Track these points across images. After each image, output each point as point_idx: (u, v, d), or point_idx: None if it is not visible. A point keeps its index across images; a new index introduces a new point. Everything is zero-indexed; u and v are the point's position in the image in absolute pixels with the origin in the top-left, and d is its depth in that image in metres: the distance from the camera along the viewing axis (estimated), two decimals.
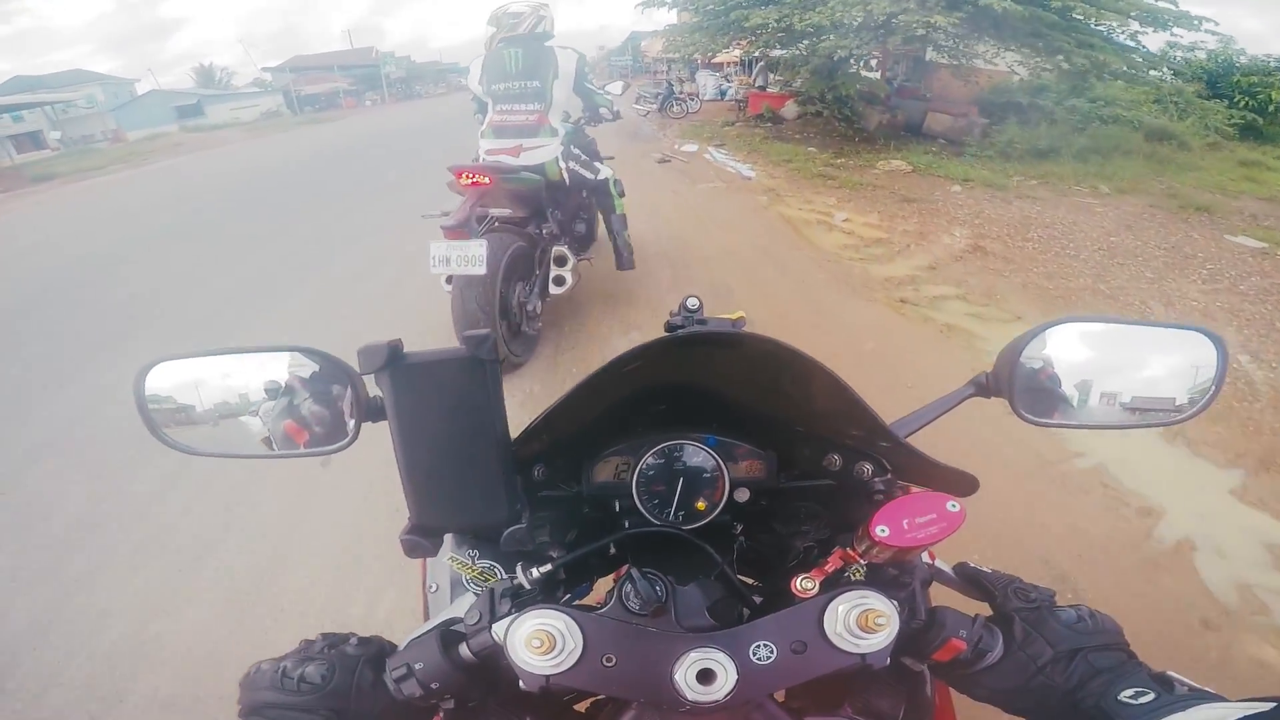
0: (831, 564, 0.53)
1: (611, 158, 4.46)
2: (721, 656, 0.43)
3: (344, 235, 6.48)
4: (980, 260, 4.99)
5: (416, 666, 0.49)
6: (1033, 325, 0.64)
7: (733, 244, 5.38)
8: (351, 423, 0.59)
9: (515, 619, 0.45)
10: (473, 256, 2.86)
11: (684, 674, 0.43)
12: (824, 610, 0.45)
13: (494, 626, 0.48)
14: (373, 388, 0.55)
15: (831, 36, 9.24)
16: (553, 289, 3.52)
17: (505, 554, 0.61)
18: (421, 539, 0.54)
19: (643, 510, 0.65)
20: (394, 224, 6.34)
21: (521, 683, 0.44)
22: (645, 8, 12.64)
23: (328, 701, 0.48)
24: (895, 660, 0.48)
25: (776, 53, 11.43)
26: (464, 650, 0.49)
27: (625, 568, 0.53)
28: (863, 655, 0.44)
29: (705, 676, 0.42)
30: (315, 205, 8.28)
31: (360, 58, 54.36)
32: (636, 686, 0.45)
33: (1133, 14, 8.97)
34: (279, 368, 0.61)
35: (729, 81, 18.11)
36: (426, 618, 0.67)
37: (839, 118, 10.77)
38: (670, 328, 0.76)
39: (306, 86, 46.79)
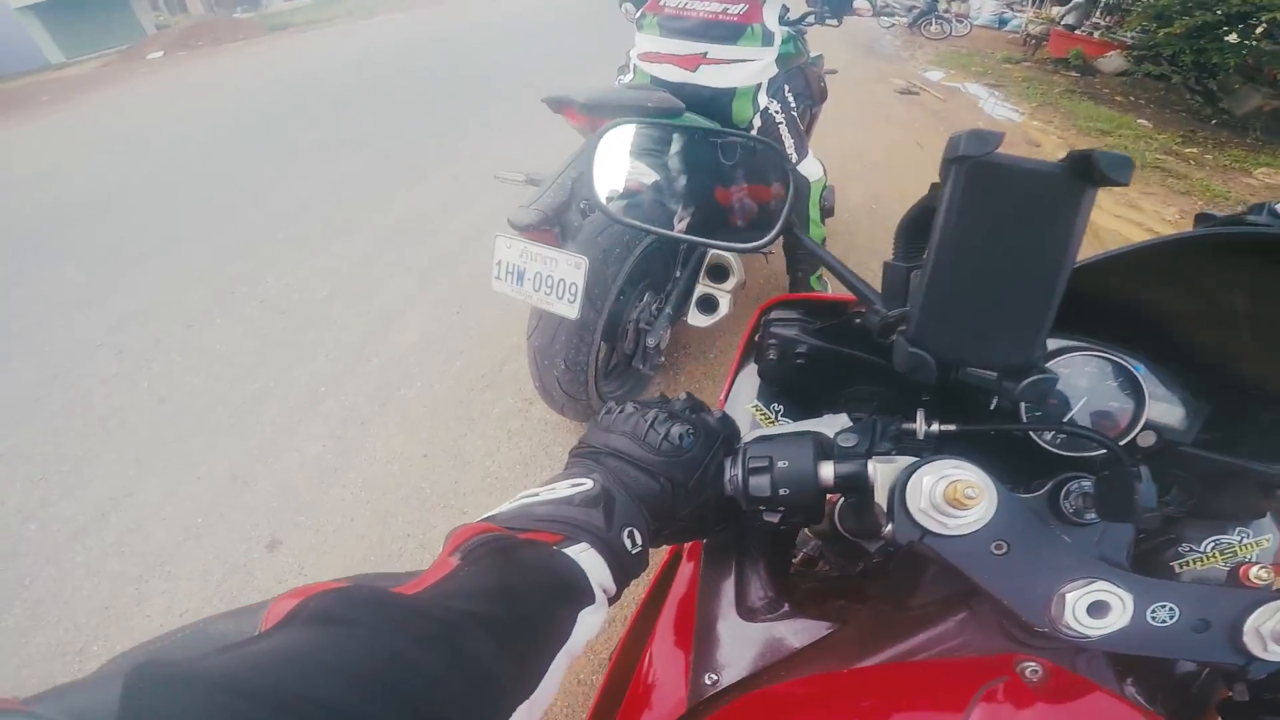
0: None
1: (834, 71, 2.82)
2: (1125, 597, 0.40)
3: None
4: None
5: (780, 464, 0.46)
6: None
7: None
8: (781, 222, 0.62)
9: (926, 462, 0.42)
10: (559, 282, 1.53)
11: (1077, 598, 0.40)
12: (1256, 606, 0.40)
13: (874, 461, 0.45)
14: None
15: None
16: (694, 315, 1.98)
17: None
18: (922, 354, 0.45)
19: (1023, 416, 0.57)
20: None
21: (894, 531, 0.42)
22: None
23: (674, 470, 0.46)
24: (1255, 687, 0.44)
25: None
26: (825, 470, 0.46)
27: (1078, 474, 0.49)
28: (1246, 663, 0.41)
29: (1097, 610, 0.40)
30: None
31: None
32: (1008, 585, 0.41)
33: None
34: (709, 148, 0.69)
35: (1014, 11, 14.21)
36: None
37: (1194, 89, 7.38)
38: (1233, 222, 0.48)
39: None
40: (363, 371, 2.50)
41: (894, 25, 12.13)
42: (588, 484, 0.45)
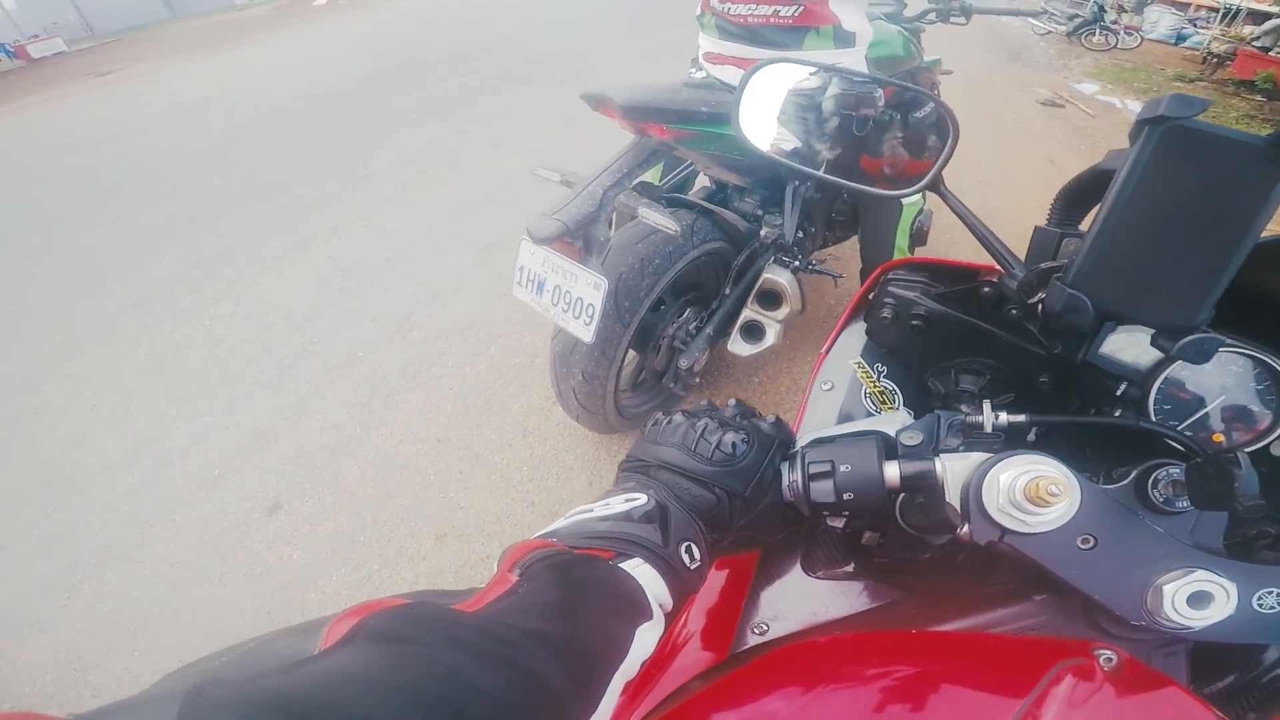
0: None
1: (950, 72, 2.53)
2: (1228, 585, 0.39)
3: None
4: None
5: (843, 468, 0.44)
6: None
7: None
8: (931, 174, 0.61)
9: (1004, 457, 0.40)
10: (577, 300, 1.39)
11: (1176, 589, 0.39)
12: None
13: (943, 457, 0.43)
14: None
15: None
16: (735, 341, 1.79)
17: (916, 386, 0.63)
18: (1081, 296, 0.47)
19: (1150, 409, 0.56)
20: None
21: (971, 531, 0.41)
22: None
23: (729, 480, 0.45)
24: None
25: None
26: (891, 471, 0.44)
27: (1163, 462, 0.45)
28: None
29: (1198, 600, 0.39)
30: None
31: None
32: (1098, 580, 0.41)
33: None
34: (875, 97, 0.71)
35: (1196, 27, 12.52)
36: (802, 413, 0.68)
37: None
38: None
39: None
40: (401, 342, 2.48)
41: (1049, 33, 10.98)
42: (642, 499, 0.43)
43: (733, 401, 0.52)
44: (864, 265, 2.06)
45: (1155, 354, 0.54)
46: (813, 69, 0.84)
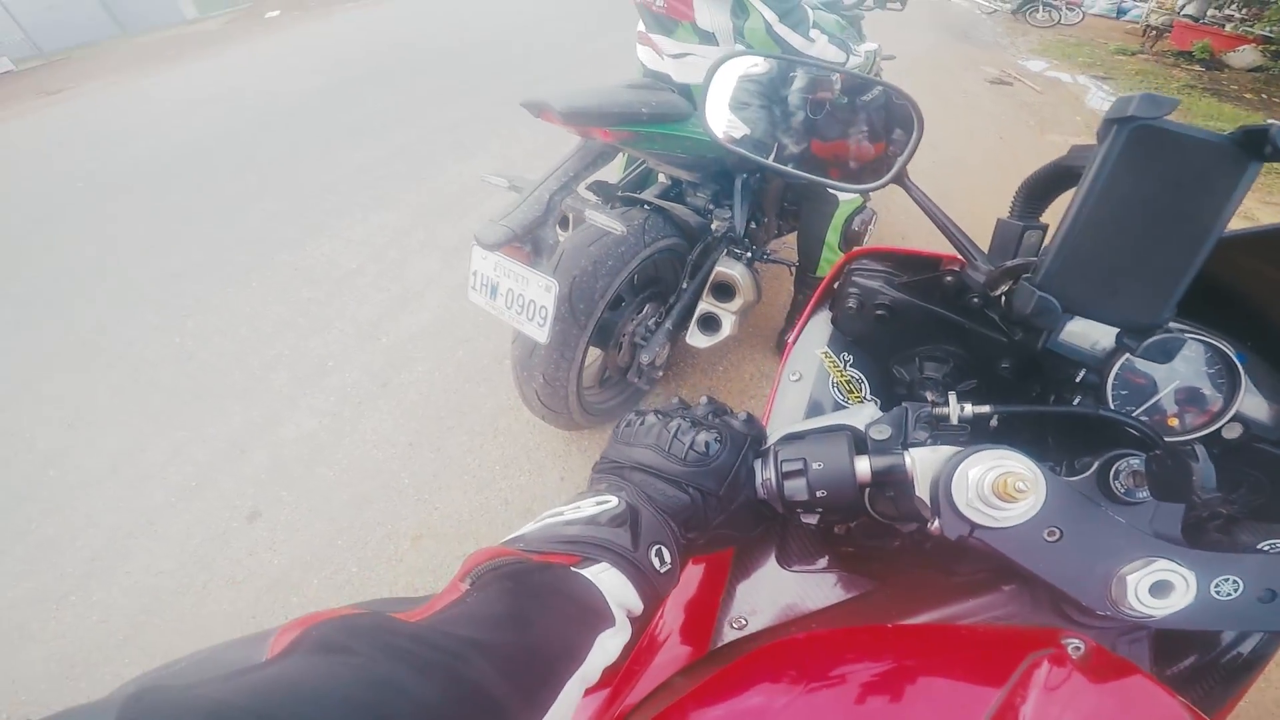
0: None
1: (892, 57, 2.59)
2: (1187, 574, 0.41)
3: None
4: None
5: (815, 466, 0.45)
6: None
7: None
8: (895, 168, 0.64)
9: (971, 453, 0.41)
10: (530, 302, 1.46)
11: (1138, 579, 0.40)
12: None
13: (912, 451, 0.44)
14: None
15: None
16: (694, 334, 1.86)
17: (880, 374, 0.65)
18: (1050, 298, 0.47)
19: (1108, 395, 0.58)
20: None
21: (940, 526, 0.42)
22: None
23: (703, 479, 0.45)
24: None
25: None
26: (862, 466, 0.45)
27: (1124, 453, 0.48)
28: None
29: (1159, 589, 0.40)
30: None
31: None
32: (1064, 572, 0.42)
33: None
34: (832, 84, 0.74)
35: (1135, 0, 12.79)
36: (771, 404, 0.69)
37: None
38: None
39: None
40: (371, 349, 2.54)
41: (996, 11, 11.16)
42: (613, 501, 0.44)
43: (704, 399, 0.52)
44: (799, 259, 2.15)
45: (1111, 339, 0.57)
46: (779, 62, 0.89)
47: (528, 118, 1.51)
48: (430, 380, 2.37)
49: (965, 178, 3.85)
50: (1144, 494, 0.46)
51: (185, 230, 3.60)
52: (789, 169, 0.79)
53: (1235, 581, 0.42)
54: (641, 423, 0.48)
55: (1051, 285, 0.46)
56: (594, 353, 1.87)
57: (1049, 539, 0.41)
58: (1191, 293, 0.47)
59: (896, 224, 3.25)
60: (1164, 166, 0.42)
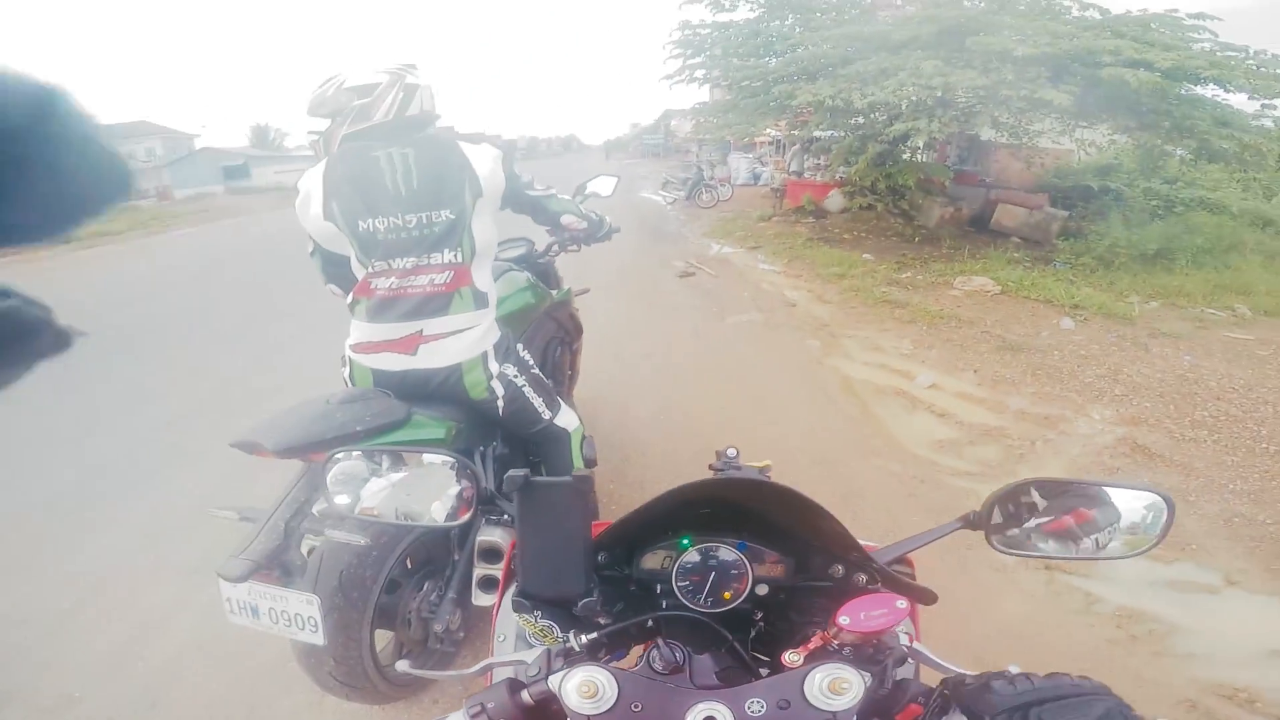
0: (814, 643, 0.65)
1: (586, 291, 2.84)
2: (723, 709, 0.56)
3: None
4: (1147, 469, 3.31)
5: (489, 705, 0.60)
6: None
7: (777, 442, 3.59)
8: (463, 519, 0.88)
9: (567, 673, 0.59)
10: (296, 616, 1.48)
11: None
12: (805, 677, 0.57)
13: (550, 678, 0.61)
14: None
15: (887, 115, 7.89)
16: (478, 596, 1.84)
17: (565, 617, 0.77)
18: (524, 600, 0.76)
19: (679, 595, 0.80)
20: None
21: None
22: (674, 83, 11.42)
23: None
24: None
25: (820, 133, 10.01)
26: (525, 696, 0.61)
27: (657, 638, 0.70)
28: (834, 714, 0.55)
29: None
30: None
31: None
32: None
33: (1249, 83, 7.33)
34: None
35: (763, 164, 16.77)
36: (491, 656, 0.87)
37: (894, 212, 9.27)
38: (714, 470, 1.01)
39: None
40: (130, 673, 2.15)
41: (675, 201, 13.79)
42: None
43: None
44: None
45: (668, 561, 0.81)
46: (388, 453, 0.96)
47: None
48: (209, 691, 2.07)
49: (683, 389, 4.35)
50: (680, 656, 0.67)
51: None
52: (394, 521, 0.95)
53: (760, 701, 0.56)
54: None
55: (523, 590, 0.76)
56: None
57: (635, 710, 0.56)
58: (705, 521, 0.82)
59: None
60: (547, 502, 0.74)
